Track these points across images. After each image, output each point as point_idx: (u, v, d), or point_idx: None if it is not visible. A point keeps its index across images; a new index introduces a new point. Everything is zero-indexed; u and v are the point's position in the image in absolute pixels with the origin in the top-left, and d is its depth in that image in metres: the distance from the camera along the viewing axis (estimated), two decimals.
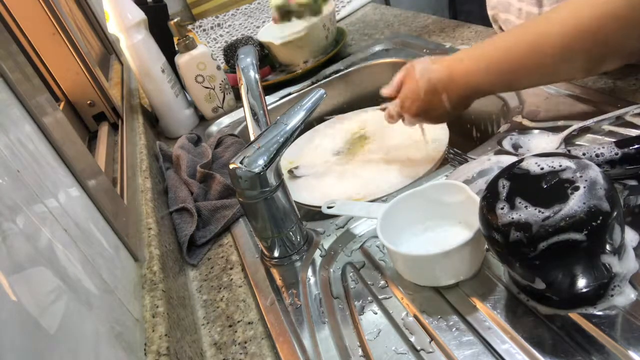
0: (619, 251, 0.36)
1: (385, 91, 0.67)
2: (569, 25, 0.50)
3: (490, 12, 0.84)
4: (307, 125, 0.58)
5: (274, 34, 1.08)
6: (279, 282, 0.53)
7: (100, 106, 0.84)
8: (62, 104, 0.80)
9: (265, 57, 1.09)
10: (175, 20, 0.94)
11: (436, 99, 0.60)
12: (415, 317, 0.44)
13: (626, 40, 0.49)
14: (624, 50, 0.51)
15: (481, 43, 0.59)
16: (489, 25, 0.85)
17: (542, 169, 0.38)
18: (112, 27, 0.90)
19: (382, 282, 0.49)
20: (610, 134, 0.53)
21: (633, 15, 0.47)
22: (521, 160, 0.40)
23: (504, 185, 0.38)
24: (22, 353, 0.25)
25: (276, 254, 0.55)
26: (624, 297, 0.37)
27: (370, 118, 0.89)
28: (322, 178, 0.77)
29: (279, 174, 0.51)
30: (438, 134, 0.75)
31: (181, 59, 0.94)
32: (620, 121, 0.54)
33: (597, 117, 0.55)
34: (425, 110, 0.62)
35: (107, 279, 0.40)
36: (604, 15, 0.48)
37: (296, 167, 0.80)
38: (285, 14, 0.98)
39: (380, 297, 0.47)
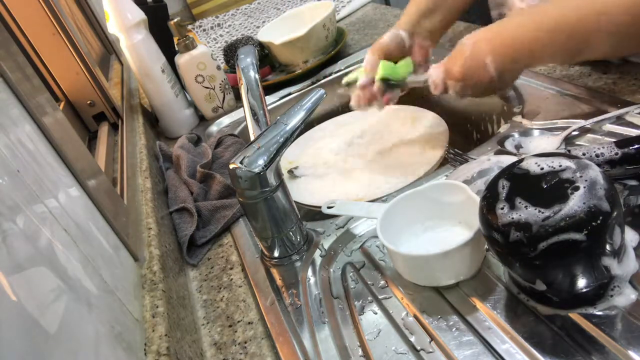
0: (618, 252, 0.36)
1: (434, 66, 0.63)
2: None
3: (493, 12, 0.84)
4: (307, 125, 0.58)
5: (274, 34, 1.08)
6: (279, 282, 0.53)
7: (100, 106, 0.84)
8: (62, 104, 0.80)
9: (265, 57, 1.09)
10: (175, 20, 0.94)
11: (480, 61, 0.55)
12: (415, 317, 0.44)
13: None
14: None
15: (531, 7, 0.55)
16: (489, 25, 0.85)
17: (542, 169, 0.38)
18: (112, 27, 0.90)
19: (382, 282, 0.49)
20: (610, 134, 0.53)
21: None
22: (521, 160, 0.40)
23: (504, 185, 0.38)
24: (22, 353, 0.25)
25: (276, 254, 0.55)
26: (623, 297, 0.37)
27: (370, 118, 0.89)
28: (322, 178, 0.77)
29: (279, 174, 0.51)
30: (438, 134, 0.75)
31: (181, 59, 0.94)
32: (621, 121, 0.54)
33: (597, 117, 0.55)
34: (469, 76, 0.57)
35: (107, 279, 0.40)
36: None
37: (296, 167, 0.80)
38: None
39: (380, 297, 0.47)
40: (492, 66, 0.55)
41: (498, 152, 0.58)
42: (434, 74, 0.62)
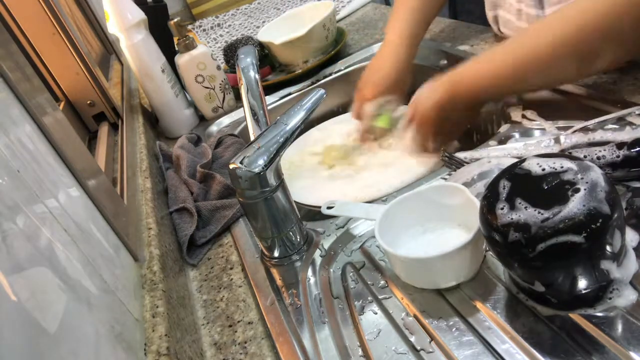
0: (618, 255, 0.36)
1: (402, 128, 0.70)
2: (570, 27, 0.52)
3: (489, 13, 0.83)
4: (308, 125, 0.58)
5: (274, 34, 1.08)
6: (279, 282, 0.53)
7: (100, 106, 0.84)
8: (62, 104, 0.80)
9: (265, 57, 1.09)
10: (175, 20, 0.94)
11: (446, 115, 0.63)
12: (415, 317, 0.44)
13: (626, 37, 0.51)
14: (623, 47, 0.53)
15: (478, 57, 0.62)
16: (489, 25, 0.85)
17: (543, 169, 0.38)
18: (112, 27, 0.90)
19: (382, 282, 0.49)
20: (611, 135, 0.53)
21: (634, 12, 0.49)
22: (523, 161, 0.40)
23: (504, 186, 0.38)
24: (22, 353, 0.25)
25: (276, 254, 0.55)
26: (623, 299, 0.37)
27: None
28: (322, 178, 0.77)
29: (279, 174, 0.51)
30: None
31: (181, 59, 0.94)
32: (622, 122, 0.54)
33: (599, 118, 0.55)
34: (439, 128, 0.64)
35: (107, 279, 0.40)
36: (608, 14, 0.50)
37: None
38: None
39: (380, 297, 0.47)
40: (456, 114, 0.63)
41: (498, 153, 0.58)
42: (408, 141, 0.69)
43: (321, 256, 0.54)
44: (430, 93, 0.64)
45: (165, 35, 1.04)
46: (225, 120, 0.99)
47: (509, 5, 0.76)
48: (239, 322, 0.51)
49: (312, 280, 0.52)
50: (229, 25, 1.67)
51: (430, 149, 0.67)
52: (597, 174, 0.35)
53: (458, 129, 0.67)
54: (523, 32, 0.60)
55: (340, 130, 0.89)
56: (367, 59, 1.02)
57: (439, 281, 0.45)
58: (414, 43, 0.80)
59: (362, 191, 0.69)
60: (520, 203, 0.36)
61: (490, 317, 0.41)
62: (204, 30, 1.70)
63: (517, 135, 0.61)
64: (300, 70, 1.03)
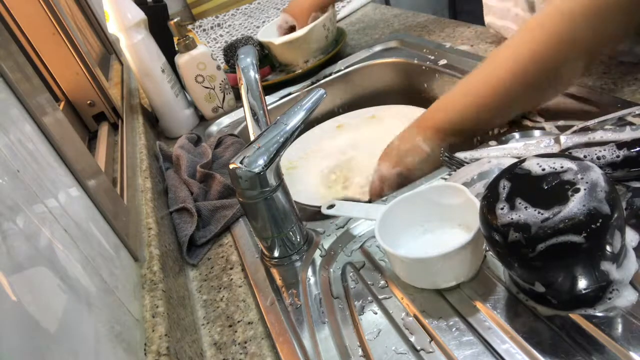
0: (618, 256, 0.36)
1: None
2: (509, 66, 0.56)
3: (487, 19, 0.84)
4: (308, 125, 0.58)
5: (274, 34, 1.08)
6: (279, 282, 0.53)
7: (100, 106, 0.84)
8: (62, 104, 0.80)
9: (265, 57, 1.09)
10: (175, 20, 0.94)
11: (404, 178, 0.64)
12: (415, 317, 0.44)
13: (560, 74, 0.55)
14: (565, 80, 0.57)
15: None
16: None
17: (543, 169, 0.38)
18: (112, 27, 0.90)
19: (382, 282, 0.49)
20: (611, 134, 0.53)
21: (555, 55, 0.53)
22: (523, 161, 0.40)
23: (504, 186, 0.38)
24: (22, 353, 0.25)
25: (276, 254, 0.55)
26: (623, 299, 0.37)
27: (370, 119, 0.89)
28: (322, 178, 0.77)
29: (279, 174, 0.51)
30: None
31: (181, 59, 0.94)
32: (622, 122, 0.54)
33: (599, 118, 0.55)
34: (409, 176, 0.64)
35: (107, 279, 0.40)
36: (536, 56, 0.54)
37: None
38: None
39: (380, 297, 0.47)
40: (424, 144, 0.63)
41: (498, 153, 0.58)
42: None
43: (321, 256, 0.54)
44: (389, 169, 0.64)
45: (165, 35, 1.04)
46: (225, 120, 0.99)
47: (507, 10, 0.76)
48: (239, 322, 0.51)
49: (312, 280, 0.52)
50: (229, 25, 1.67)
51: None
52: (597, 174, 0.35)
53: (417, 167, 0.65)
54: (476, 73, 0.61)
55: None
56: (367, 59, 1.02)
57: (439, 281, 0.45)
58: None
59: (362, 191, 0.70)
60: (520, 203, 0.36)
61: (490, 317, 0.41)
62: (204, 30, 1.70)
63: (517, 135, 0.61)
64: (300, 70, 1.03)
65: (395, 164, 0.64)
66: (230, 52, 1.10)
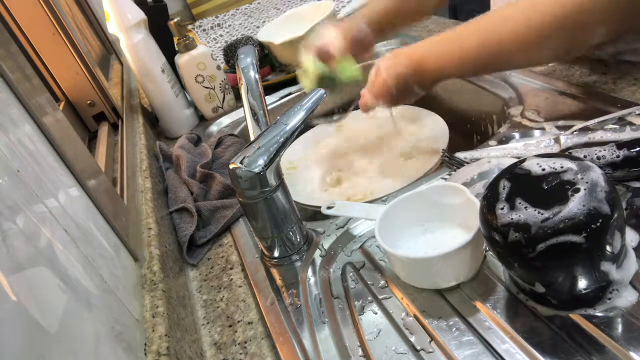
0: (618, 256, 0.36)
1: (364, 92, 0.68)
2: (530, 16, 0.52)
3: None
4: (307, 125, 0.58)
5: (274, 34, 1.08)
6: (279, 282, 0.53)
7: (100, 106, 0.84)
8: (62, 104, 0.80)
9: (265, 57, 1.09)
10: (175, 20, 0.94)
11: (407, 88, 0.63)
12: (415, 317, 0.44)
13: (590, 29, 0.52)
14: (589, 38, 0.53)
15: (442, 34, 0.61)
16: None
17: (543, 169, 0.38)
18: (112, 27, 0.90)
19: (382, 282, 0.49)
20: (611, 134, 0.53)
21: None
22: (523, 161, 0.40)
23: (504, 186, 0.38)
24: (22, 353, 0.25)
25: (276, 254, 0.55)
26: (623, 299, 0.37)
27: (369, 119, 0.88)
28: (322, 178, 0.77)
29: (279, 174, 0.51)
30: (438, 135, 0.75)
31: (181, 59, 0.94)
32: (622, 122, 0.54)
33: (599, 118, 0.55)
34: (398, 99, 0.65)
35: (107, 279, 0.40)
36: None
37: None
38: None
39: (380, 297, 0.47)
40: (418, 89, 0.63)
41: (498, 153, 0.58)
42: (366, 98, 0.67)
43: (321, 256, 0.54)
44: (393, 66, 0.63)
45: (165, 35, 1.04)
46: (225, 120, 0.99)
47: None
48: (239, 322, 0.51)
49: (312, 280, 0.52)
50: (229, 25, 1.67)
51: (374, 108, 0.68)
52: (597, 174, 0.35)
53: (408, 100, 0.66)
54: (490, 15, 0.59)
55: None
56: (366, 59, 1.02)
57: (439, 281, 0.45)
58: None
59: (362, 191, 0.69)
60: (520, 203, 0.36)
61: (490, 317, 0.41)
62: (204, 30, 1.70)
63: (517, 135, 0.61)
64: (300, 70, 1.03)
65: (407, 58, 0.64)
66: (230, 52, 1.10)
